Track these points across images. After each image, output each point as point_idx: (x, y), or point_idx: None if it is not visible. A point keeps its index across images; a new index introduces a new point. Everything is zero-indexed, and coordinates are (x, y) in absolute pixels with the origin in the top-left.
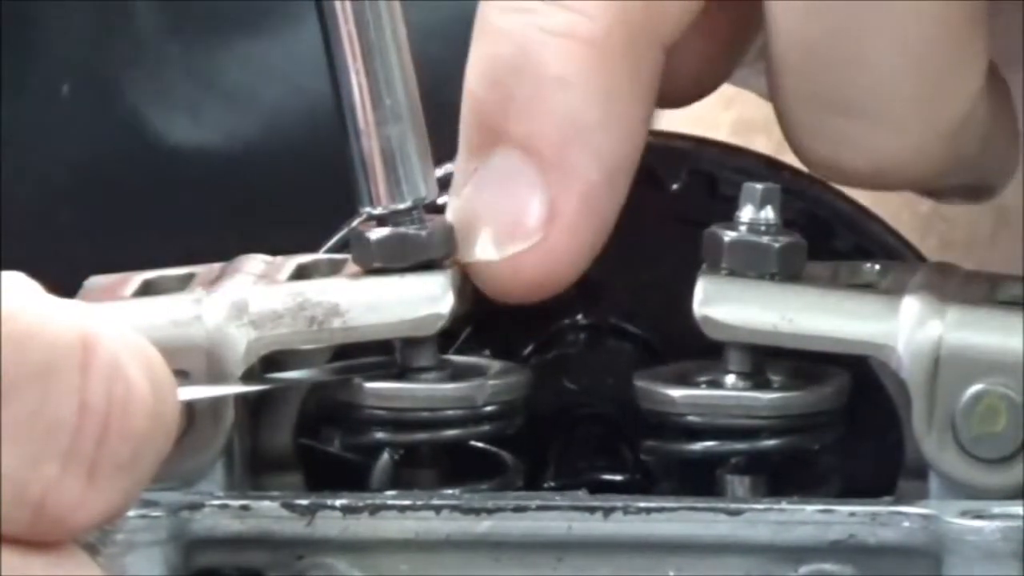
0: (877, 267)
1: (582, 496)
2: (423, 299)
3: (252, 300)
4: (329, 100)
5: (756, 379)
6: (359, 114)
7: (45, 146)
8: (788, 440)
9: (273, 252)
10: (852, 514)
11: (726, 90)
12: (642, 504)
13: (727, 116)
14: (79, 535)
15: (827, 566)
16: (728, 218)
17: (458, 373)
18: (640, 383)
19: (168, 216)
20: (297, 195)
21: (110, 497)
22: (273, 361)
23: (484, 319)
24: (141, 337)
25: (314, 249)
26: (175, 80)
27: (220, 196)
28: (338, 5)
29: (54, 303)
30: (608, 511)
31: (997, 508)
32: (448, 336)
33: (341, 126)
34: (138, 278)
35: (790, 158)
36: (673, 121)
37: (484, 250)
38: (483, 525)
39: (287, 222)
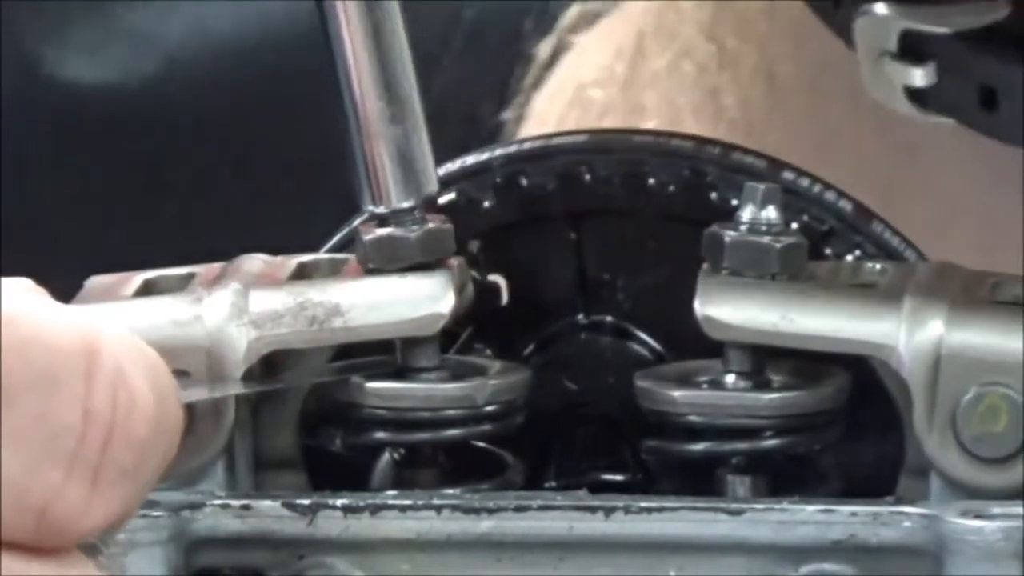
0: (878, 267)
1: (583, 496)
2: (424, 299)
3: (253, 300)
4: (231, 39)
5: (757, 379)
6: (362, 114)
7: None
8: (789, 440)
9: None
10: (853, 514)
11: None
12: (643, 504)
13: None
14: (82, 541)
15: (828, 566)
16: (729, 218)
17: (459, 373)
18: (641, 383)
19: (68, 153)
20: (198, 134)
21: (113, 504)
22: (274, 361)
23: (485, 319)
24: (143, 342)
25: (314, 248)
26: (72, 19)
27: (119, 134)
28: (339, 5)
29: (57, 309)
30: (609, 511)
31: (998, 508)
32: (449, 336)
33: (344, 126)
34: (139, 278)
35: None
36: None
37: None
38: (484, 525)
39: (188, 161)
